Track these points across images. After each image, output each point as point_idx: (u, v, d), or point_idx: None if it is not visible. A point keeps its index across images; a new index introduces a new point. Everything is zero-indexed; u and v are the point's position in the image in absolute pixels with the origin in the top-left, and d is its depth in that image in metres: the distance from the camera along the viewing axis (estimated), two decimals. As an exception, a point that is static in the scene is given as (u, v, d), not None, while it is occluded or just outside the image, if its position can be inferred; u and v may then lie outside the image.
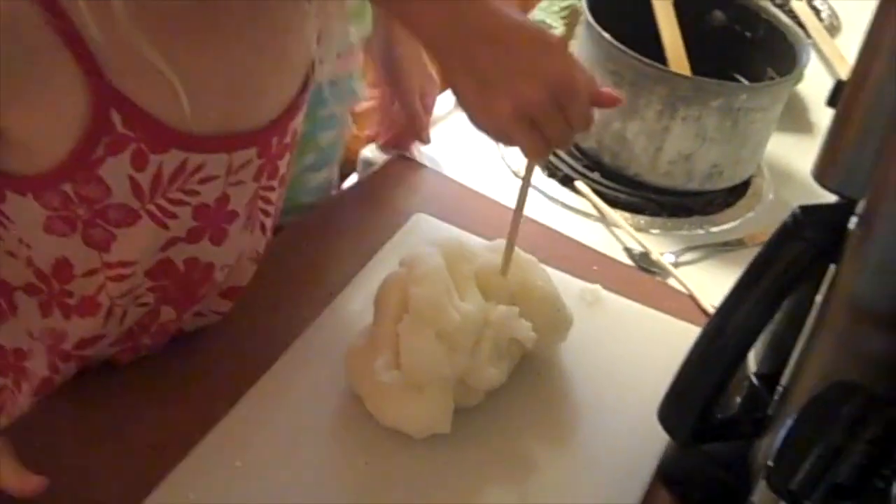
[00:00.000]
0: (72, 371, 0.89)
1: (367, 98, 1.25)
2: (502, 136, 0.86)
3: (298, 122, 0.89)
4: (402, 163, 1.23)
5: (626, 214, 1.23)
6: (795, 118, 1.45)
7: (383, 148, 1.26)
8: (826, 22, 1.71)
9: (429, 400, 0.86)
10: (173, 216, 0.81)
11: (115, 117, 0.73)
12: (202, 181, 0.80)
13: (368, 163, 1.25)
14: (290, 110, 0.86)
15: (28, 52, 0.68)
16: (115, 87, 0.72)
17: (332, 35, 0.88)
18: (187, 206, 0.81)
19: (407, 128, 1.24)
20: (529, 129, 0.83)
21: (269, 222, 0.92)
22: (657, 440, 0.89)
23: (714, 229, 1.25)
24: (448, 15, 0.82)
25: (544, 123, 0.83)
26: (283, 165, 0.89)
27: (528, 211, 1.16)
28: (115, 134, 0.74)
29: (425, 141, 1.26)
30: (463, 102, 0.85)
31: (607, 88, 0.88)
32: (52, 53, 0.69)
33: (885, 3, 0.68)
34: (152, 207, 0.79)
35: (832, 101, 0.73)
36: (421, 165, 1.24)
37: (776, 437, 0.71)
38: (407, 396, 0.86)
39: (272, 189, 0.89)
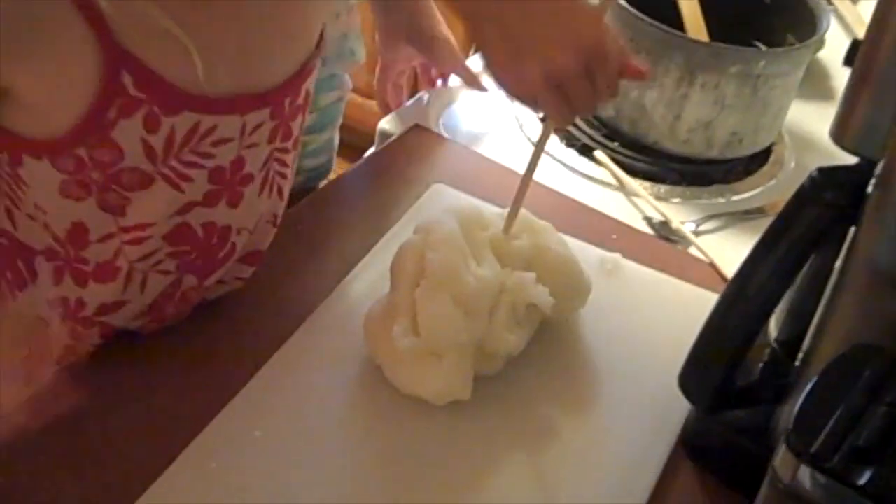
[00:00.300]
0: (95, 339, 0.89)
1: (363, 59, 1.25)
2: (530, 99, 0.87)
3: (310, 84, 0.89)
4: (419, 133, 1.23)
5: (646, 183, 1.23)
6: (817, 85, 1.44)
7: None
8: (848, -12, 1.69)
9: (448, 367, 0.86)
10: (188, 178, 0.81)
11: (127, 79, 0.73)
12: (216, 143, 0.80)
13: (386, 135, 1.25)
14: (303, 71, 0.86)
15: (38, 10, 0.69)
16: (125, 48, 0.72)
17: None
18: (202, 170, 0.81)
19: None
20: (556, 94, 0.84)
21: (285, 185, 0.92)
22: (679, 408, 0.89)
23: (735, 198, 1.24)
24: None
25: (572, 89, 0.84)
26: (296, 127, 0.89)
27: (547, 180, 1.18)
28: (126, 96, 0.74)
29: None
30: (493, 66, 0.86)
31: (637, 62, 0.88)
32: (62, 13, 0.69)
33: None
34: (166, 170, 0.79)
35: (848, 61, 0.73)
36: (438, 136, 1.23)
37: (796, 401, 0.70)
38: (426, 363, 0.86)
39: (286, 151, 0.89)
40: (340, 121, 1.27)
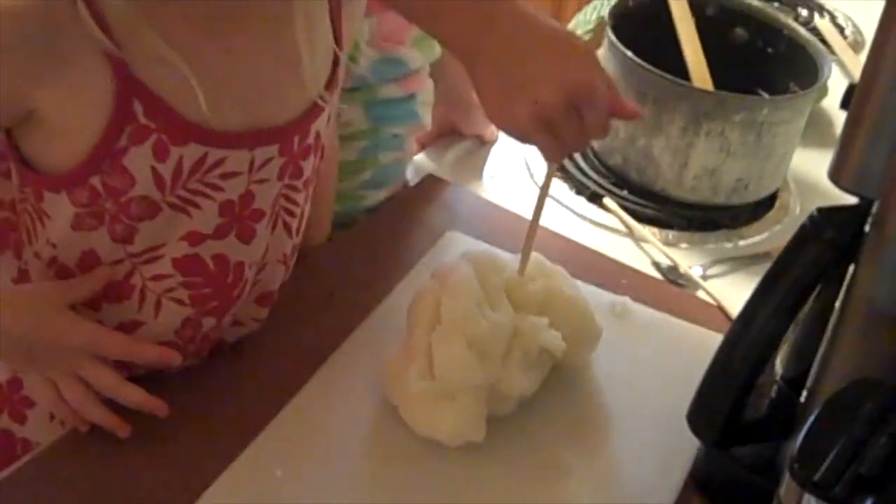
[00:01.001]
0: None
1: (429, 126, 1.28)
2: (520, 136, 0.89)
3: (321, 124, 0.91)
4: (432, 182, 1.26)
5: (654, 229, 1.26)
6: (821, 132, 1.47)
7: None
8: (850, 38, 1.73)
9: (461, 408, 0.89)
10: (196, 205, 0.83)
11: (137, 107, 0.77)
12: (224, 176, 0.83)
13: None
14: (312, 111, 0.89)
15: (60, 34, 0.74)
16: (137, 77, 0.76)
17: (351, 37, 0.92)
18: (211, 201, 0.84)
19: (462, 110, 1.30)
20: (546, 132, 0.85)
21: (294, 223, 0.94)
22: (688, 444, 0.91)
23: (742, 242, 1.27)
24: (480, 17, 0.85)
25: (560, 127, 0.85)
26: (306, 167, 0.91)
27: (558, 227, 1.21)
28: (136, 123, 0.77)
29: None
30: (485, 102, 0.88)
31: (629, 102, 0.90)
32: (81, 37, 0.74)
33: (891, 7, 0.70)
34: (173, 199, 0.82)
35: (845, 104, 0.76)
36: (451, 184, 1.27)
37: (800, 433, 0.73)
38: (440, 405, 0.89)
39: (297, 189, 0.92)
40: (401, 182, 1.28)
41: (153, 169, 0.80)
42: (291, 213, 0.93)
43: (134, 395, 0.87)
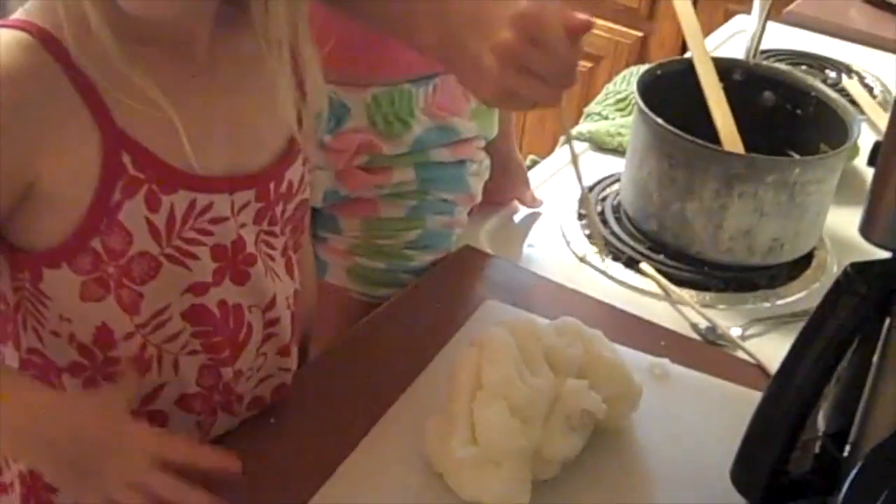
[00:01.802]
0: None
1: (478, 198, 1.30)
2: (506, 95, 0.91)
3: (294, 174, 0.94)
4: (469, 252, 1.28)
5: (692, 292, 1.26)
6: (855, 190, 1.47)
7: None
8: (879, 98, 1.74)
9: (506, 473, 0.90)
10: (193, 256, 0.86)
11: (126, 159, 0.80)
12: (213, 221, 0.86)
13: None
14: (284, 158, 0.92)
15: (48, 99, 0.77)
16: (122, 129, 0.80)
17: (313, 91, 0.93)
18: (204, 247, 0.86)
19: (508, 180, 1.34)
20: (521, 75, 0.88)
21: (278, 268, 0.95)
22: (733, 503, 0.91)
23: (780, 302, 1.27)
24: (438, 11, 0.93)
25: (530, 61, 0.87)
26: (281, 213, 0.94)
27: (595, 292, 1.23)
28: (127, 176, 0.81)
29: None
30: (463, 80, 0.94)
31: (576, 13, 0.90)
32: (68, 100, 0.78)
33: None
34: (170, 250, 0.85)
35: (871, 161, 0.77)
36: (487, 254, 1.29)
37: (843, 488, 0.73)
38: (485, 470, 0.90)
39: (274, 235, 0.94)
40: (448, 249, 1.28)
41: (147, 221, 0.83)
42: (271, 258, 0.95)
43: (202, 499, 0.83)
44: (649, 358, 1.10)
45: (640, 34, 2.42)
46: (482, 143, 1.27)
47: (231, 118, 0.87)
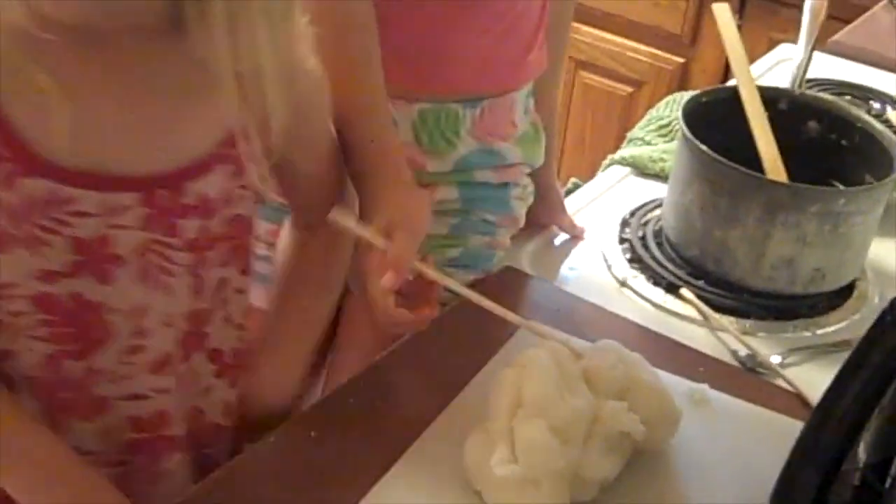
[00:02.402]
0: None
1: (522, 222, 1.32)
2: None
3: (212, 187, 0.91)
4: (510, 273, 1.29)
5: (732, 318, 1.27)
6: (899, 222, 1.48)
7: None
8: (924, 130, 1.74)
9: (545, 493, 0.90)
10: (46, 244, 0.85)
11: None
12: (74, 214, 0.85)
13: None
14: (193, 169, 0.90)
15: None
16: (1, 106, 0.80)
17: (257, 112, 0.89)
18: (62, 237, 0.86)
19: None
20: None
21: (176, 284, 0.93)
22: (771, 532, 0.91)
23: (820, 331, 1.27)
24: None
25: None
26: (185, 227, 0.91)
27: (636, 317, 1.23)
28: None
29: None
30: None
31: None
32: None
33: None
34: (22, 232, 0.84)
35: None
36: (528, 275, 1.29)
37: (885, 519, 0.73)
38: (524, 490, 0.91)
39: (170, 247, 0.91)
40: (490, 270, 1.30)
41: (3, 197, 0.83)
42: (168, 273, 0.92)
43: None
44: (689, 383, 1.10)
45: (682, 60, 2.43)
46: (527, 169, 1.29)
47: (139, 119, 0.85)
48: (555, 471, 0.90)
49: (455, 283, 1.05)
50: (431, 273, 1.03)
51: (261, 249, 1.20)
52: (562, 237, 1.39)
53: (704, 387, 1.10)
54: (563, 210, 1.40)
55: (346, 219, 1.03)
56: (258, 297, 1.12)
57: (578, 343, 1.04)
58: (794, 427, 0.99)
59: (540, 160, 1.30)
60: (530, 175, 1.31)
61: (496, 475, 0.91)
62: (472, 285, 1.25)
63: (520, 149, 1.25)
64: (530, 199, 1.31)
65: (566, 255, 1.36)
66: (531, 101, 1.27)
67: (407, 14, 1.11)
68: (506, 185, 1.26)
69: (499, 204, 1.26)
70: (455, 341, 1.16)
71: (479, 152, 1.22)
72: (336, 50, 1.00)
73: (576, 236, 1.39)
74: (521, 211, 1.30)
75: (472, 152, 1.21)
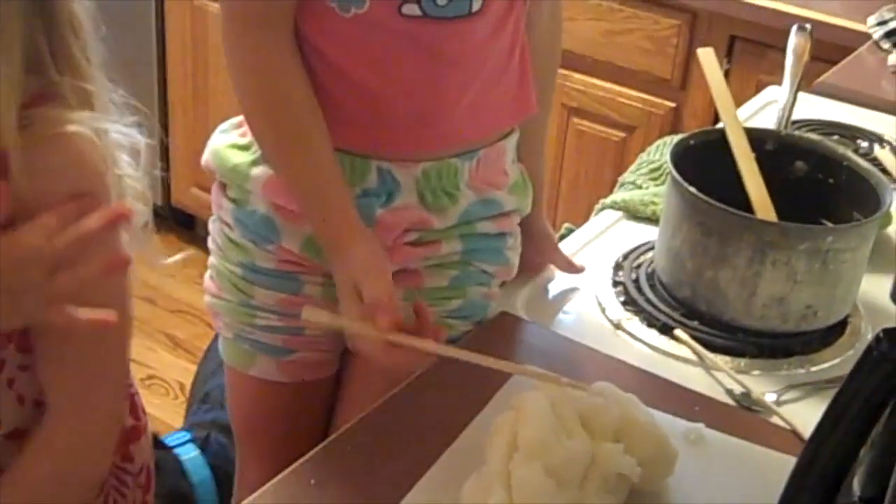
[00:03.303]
0: None
1: (514, 272, 1.34)
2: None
3: None
4: (507, 318, 1.30)
5: (726, 358, 1.28)
6: (889, 258, 1.49)
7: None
8: (912, 167, 1.76)
9: (543, 535, 0.91)
10: None
11: None
12: None
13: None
14: None
15: None
16: None
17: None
18: None
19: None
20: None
21: None
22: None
23: (814, 368, 1.28)
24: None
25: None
26: None
27: (630, 358, 1.24)
28: None
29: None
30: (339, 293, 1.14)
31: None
32: None
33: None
34: None
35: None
36: (523, 320, 1.31)
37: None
38: (522, 532, 0.91)
39: None
40: (484, 319, 1.32)
41: None
42: None
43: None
44: (684, 423, 1.11)
45: (672, 104, 2.45)
46: (518, 219, 1.31)
47: None
48: (552, 513, 0.91)
49: (435, 346, 1.10)
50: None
51: (270, 320, 1.24)
52: (557, 280, 1.40)
53: (700, 426, 1.11)
54: (557, 248, 1.41)
55: (317, 315, 1.11)
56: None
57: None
58: (788, 463, 0.99)
59: (528, 208, 1.32)
60: (520, 223, 1.32)
61: (493, 518, 0.92)
62: (469, 332, 1.27)
63: (513, 196, 1.27)
64: (520, 250, 1.33)
65: (560, 299, 1.38)
66: (516, 152, 1.30)
67: (388, 82, 1.14)
68: (503, 235, 1.29)
69: (496, 255, 1.29)
70: (451, 387, 1.17)
71: (478, 203, 1.24)
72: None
73: (575, 271, 1.40)
74: (515, 261, 1.32)
75: (472, 204, 1.23)
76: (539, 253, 1.39)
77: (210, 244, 1.31)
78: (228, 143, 1.24)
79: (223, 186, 1.26)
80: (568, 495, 0.92)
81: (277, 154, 1.16)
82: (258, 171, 1.20)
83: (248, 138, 1.22)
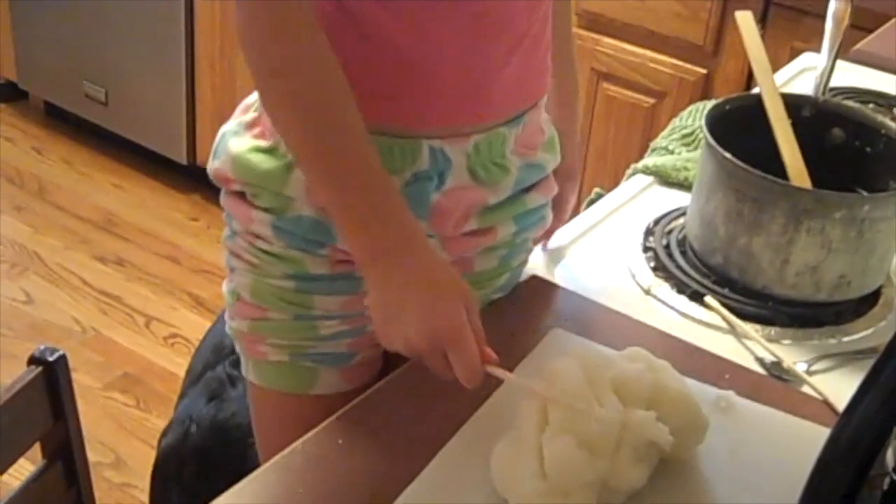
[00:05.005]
0: None
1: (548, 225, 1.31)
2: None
3: None
4: (536, 282, 1.30)
5: (757, 326, 1.26)
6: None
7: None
8: (949, 137, 1.73)
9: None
10: None
11: None
12: None
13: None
14: None
15: None
16: None
17: None
18: None
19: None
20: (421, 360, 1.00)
21: None
22: (799, 539, 0.91)
23: (846, 339, 1.27)
24: (371, 248, 1.01)
25: (428, 362, 0.98)
26: None
27: (660, 324, 1.23)
28: None
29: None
30: (374, 324, 1.02)
31: (489, 351, 1.00)
32: None
33: None
34: None
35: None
36: (554, 284, 1.30)
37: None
38: (551, 499, 0.91)
39: None
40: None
41: None
42: None
43: None
44: (714, 390, 1.10)
45: (704, 71, 2.42)
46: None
47: None
48: (584, 483, 0.91)
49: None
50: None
51: (334, 327, 1.18)
52: (586, 247, 1.39)
53: (730, 393, 1.10)
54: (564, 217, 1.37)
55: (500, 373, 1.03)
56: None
57: (607, 352, 1.04)
58: (820, 433, 0.98)
59: (559, 158, 1.27)
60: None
61: (526, 490, 0.91)
62: (498, 299, 1.26)
63: (549, 154, 1.24)
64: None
65: (590, 264, 1.36)
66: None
67: (434, 56, 1.07)
68: (546, 203, 1.26)
69: (541, 222, 1.27)
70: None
71: (525, 168, 1.19)
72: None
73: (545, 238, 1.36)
74: (550, 213, 1.29)
75: (520, 171, 1.18)
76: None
77: (232, 264, 1.18)
78: (248, 147, 1.11)
79: (244, 196, 1.13)
80: (600, 465, 0.91)
81: (306, 146, 1.03)
82: (298, 173, 1.08)
83: (271, 140, 1.10)
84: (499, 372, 1.00)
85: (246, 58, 1.02)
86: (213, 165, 1.16)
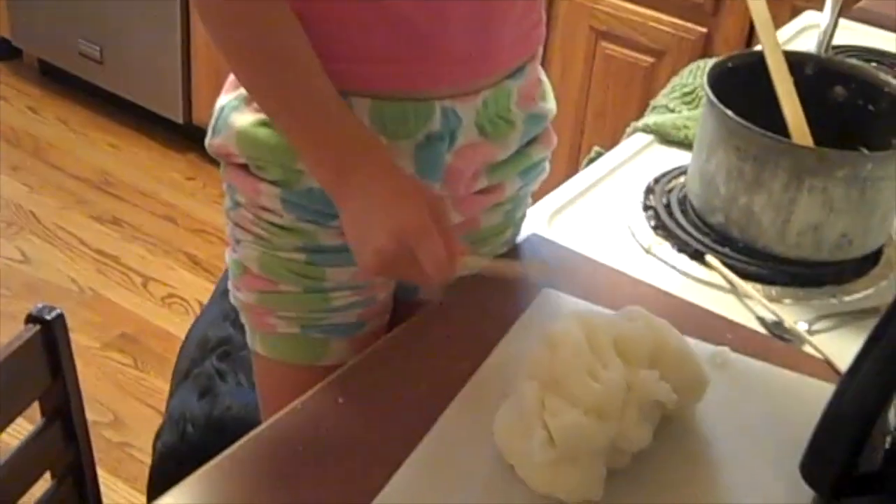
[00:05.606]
0: None
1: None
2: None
3: None
4: (535, 240, 1.29)
5: (758, 286, 1.26)
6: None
7: None
8: (951, 95, 1.72)
9: (582, 468, 0.91)
10: None
11: None
12: None
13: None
14: None
15: None
16: None
17: None
18: None
19: None
20: (395, 271, 1.03)
21: None
22: (802, 495, 0.91)
23: (847, 298, 1.26)
24: (335, 169, 1.02)
25: (400, 268, 0.99)
26: None
27: (661, 283, 1.23)
28: None
29: None
30: (347, 239, 1.03)
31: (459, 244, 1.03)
32: None
33: None
34: None
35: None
36: (550, 241, 1.29)
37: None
38: (560, 466, 0.91)
39: None
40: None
41: None
42: None
43: None
44: (710, 347, 1.10)
45: (704, 30, 2.40)
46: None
47: None
48: (594, 449, 0.91)
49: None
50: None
51: (345, 297, 1.17)
52: (585, 205, 1.38)
53: (725, 349, 1.10)
54: None
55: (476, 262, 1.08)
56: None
57: (607, 313, 1.03)
58: (815, 387, 0.99)
59: (555, 106, 1.25)
60: None
61: (537, 459, 0.91)
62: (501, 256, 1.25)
63: (546, 102, 1.23)
64: None
65: (590, 222, 1.35)
66: None
67: (445, 18, 1.06)
68: (549, 156, 1.26)
69: (542, 172, 1.26)
70: (478, 305, 1.16)
71: (528, 121, 1.18)
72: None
73: None
74: (548, 164, 1.28)
75: (525, 123, 1.18)
76: None
77: (237, 235, 1.16)
78: (252, 121, 1.09)
79: (247, 168, 1.12)
80: (608, 428, 0.91)
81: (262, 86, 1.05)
82: None
83: None
84: (472, 261, 1.05)
85: (200, 15, 1.04)
86: (213, 141, 1.13)
